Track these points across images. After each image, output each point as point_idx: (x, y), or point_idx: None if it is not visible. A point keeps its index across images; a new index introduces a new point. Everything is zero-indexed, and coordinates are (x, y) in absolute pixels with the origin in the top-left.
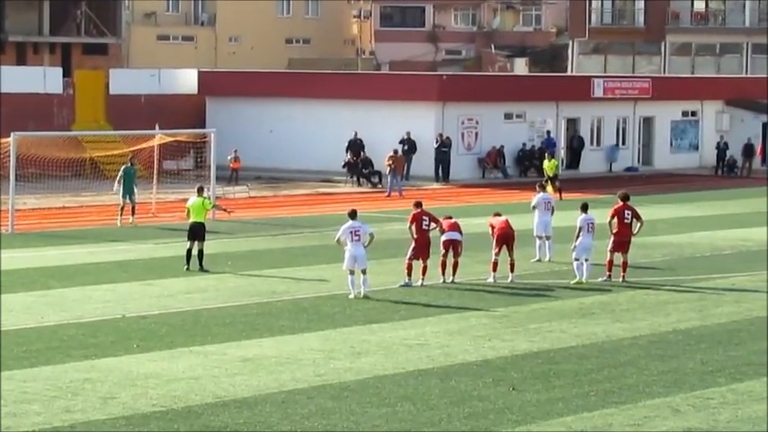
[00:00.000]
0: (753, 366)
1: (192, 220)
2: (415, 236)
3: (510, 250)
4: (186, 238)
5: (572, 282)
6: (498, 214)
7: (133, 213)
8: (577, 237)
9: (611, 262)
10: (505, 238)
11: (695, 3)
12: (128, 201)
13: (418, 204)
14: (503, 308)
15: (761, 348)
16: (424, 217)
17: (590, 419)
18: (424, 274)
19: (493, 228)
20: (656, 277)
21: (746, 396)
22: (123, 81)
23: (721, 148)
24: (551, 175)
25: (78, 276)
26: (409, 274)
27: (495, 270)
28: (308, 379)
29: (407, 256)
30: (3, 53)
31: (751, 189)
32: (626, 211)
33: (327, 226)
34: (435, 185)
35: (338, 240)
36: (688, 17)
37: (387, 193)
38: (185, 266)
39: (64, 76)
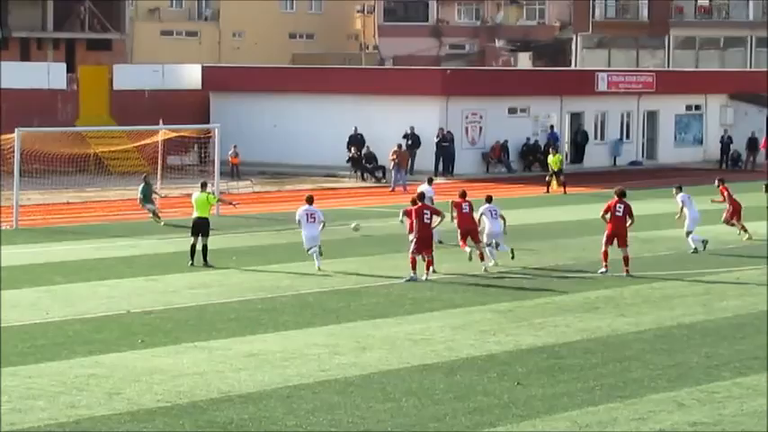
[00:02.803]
0: (758, 360)
1: (195, 215)
2: (417, 230)
3: (475, 242)
4: (190, 234)
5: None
6: (464, 195)
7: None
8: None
9: (605, 253)
10: (468, 232)
11: None
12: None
13: (421, 197)
14: (507, 302)
15: (765, 342)
16: (425, 211)
17: (595, 414)
18: (428, 268)
19: (457, 208)
20: (661, 271)
21: (751, 390)
22: (127, 76)
23: (725, 142)
24: (556, 170)
25: (83, 272)
26: (414, 269)
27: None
28: (313, 374)
29: (410, 251)
30: (6, 49)
31: (755, 183)
32: (618, 205)
33: (332, 221)
34: (439, 180)
35: (298, 222)
36: (692, 11)
37: (391, 188)
38: (189, 262)
39: (68, 72)
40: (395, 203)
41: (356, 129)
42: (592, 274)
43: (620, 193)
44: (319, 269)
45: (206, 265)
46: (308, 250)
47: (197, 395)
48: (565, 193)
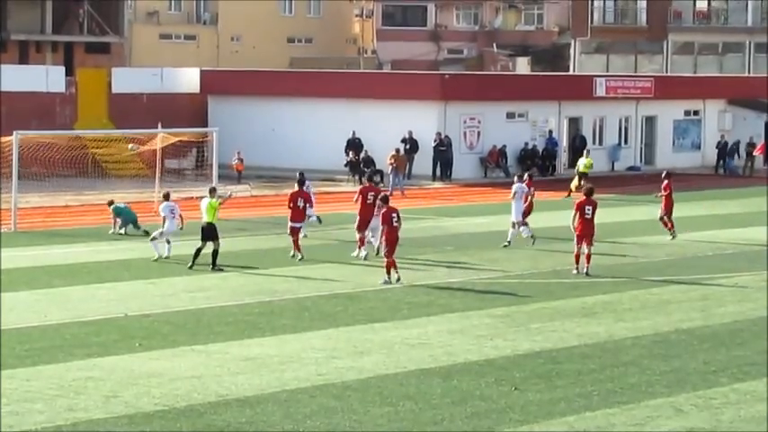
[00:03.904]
0: (756, 366)
1: (203, 220)
2: (387, 232)
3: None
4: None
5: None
6: (387, 201)
7: None
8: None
9: (577, 255)
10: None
11: (697, 2)
12: None
13: (385, 199)
14: (505, 307)
15: (764, 348)
16: (393, 214)
17: (592, 419)
18: (395, 269)
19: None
20: (659, 277)
21: (749, 396)
22: (126, 80)
23: (721, 147)
24: (582, 172)
25: (81, 275)
26: (389, 272)
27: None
28: (311, 378)
29: (386, 254)
30: (5, 52)
31: (753, 188)
32: (587, 207)
33: (329, 225)
34: (436, 184)
35: (164, 218)
36: (690, 16)
37: (389, 192)
38: (189, 264)
39: (66, 75)
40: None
41: (354, 133)
42: (590, 280)
43: (587, 191)
44: (165, 257)
45: (214, 268)
46: (161, 239)
47: (194, 398)
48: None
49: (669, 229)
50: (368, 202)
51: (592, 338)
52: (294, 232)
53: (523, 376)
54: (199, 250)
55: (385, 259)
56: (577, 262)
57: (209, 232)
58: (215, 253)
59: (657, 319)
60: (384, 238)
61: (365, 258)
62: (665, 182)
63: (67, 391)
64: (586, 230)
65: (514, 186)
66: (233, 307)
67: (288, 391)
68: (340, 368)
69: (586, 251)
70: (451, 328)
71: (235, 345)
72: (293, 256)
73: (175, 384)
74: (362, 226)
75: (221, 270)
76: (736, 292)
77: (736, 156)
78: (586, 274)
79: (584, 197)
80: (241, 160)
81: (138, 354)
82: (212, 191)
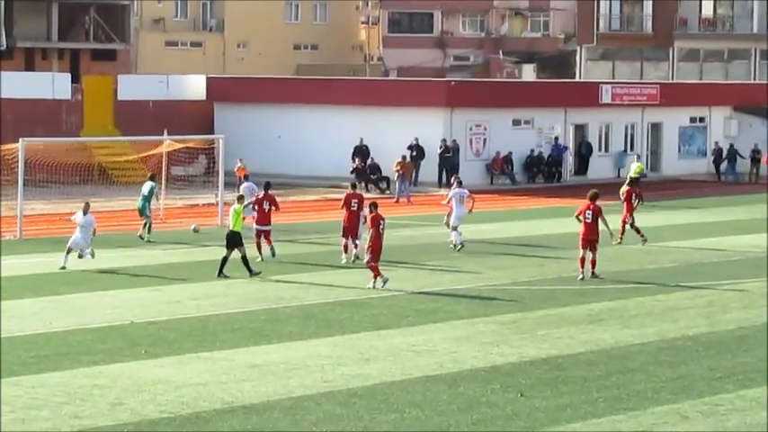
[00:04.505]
0: (761, 373)
1: (228, 228)
2: (373, 238)
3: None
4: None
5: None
6: (376, 207)
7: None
8: None
9: (582, 259)
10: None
11: (703, 9)
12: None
13: (375, 205)
14: (511, 314)
15: None
16: (380, 221)
17: (598, 426)
18: (376, 275)
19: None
20: (665, 283)
21: (755, 403)
22: (132, 87)
23: (716, 155)
24: (634, 177)
25: (86, 282)
26: (377, 276)
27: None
28: (317, 385)
29: (369, 260)
30: (11, 59)
31: (758, 195)
32: (587, 211)
33: (335, 232)
34: (442, 191)
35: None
36: (696, 23)
37: (395, 199)
38: (217, 272)
39: (72, 82)
40: (399, 215)
41: (362, 140)
42: (595, 286)
43: (591, 196)
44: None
45: (251, 274)
46: (69, 251)
47: (200, 406)
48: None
49: (622, 234)
50: (352, 208)
51: (598, 345)
52: (259, 235)
53: (529, 383)
54: (224, 259)
55: (369, 266)
56: (582, 266)
57: (233, 240)
58: (243, 259)
59: (663, 326)
60: (371, 243)
61: (353, 262)
62: (628, 188)
63: (73, 398)
64: (591, 235)
65: (452, 192)
66: (239, 314)
67: (294, 398)
68: (346, 375)
69: (591, 256)
70: (457, 334)
71: (241, 352)
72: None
73: (181, 392)
74: (345, 233)
75: (257, 274)
76: (742, 298)
77: (737, 159)
78: (592, 275)
79: (588, 202)
80: (244, 166)
81: (144, 361)
82: (240, 198)
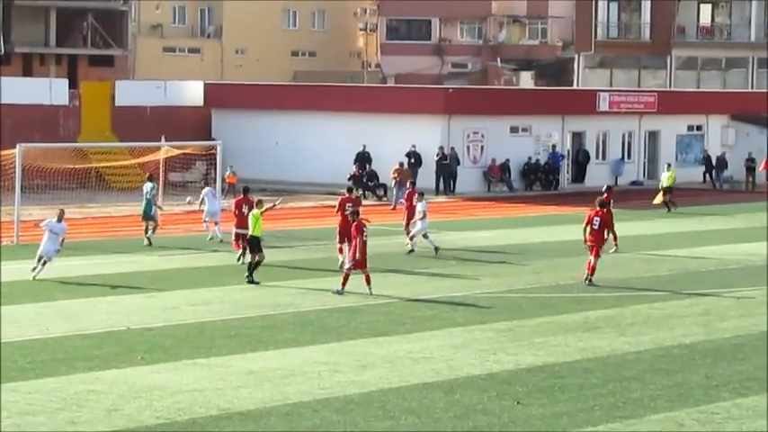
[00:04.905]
0: (758, 381)
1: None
2: (358, 246)
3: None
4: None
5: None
6: (358, 214)
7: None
8: None
9: (589, 263)
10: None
11: (701, 17)
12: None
13: (356, 213)
14: (507, 321)
15: (766, 363)
16: (364, 228)
17: None
18: (368, 282)
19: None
20: (661, 291)
21: (751, 411)
22: (129, 93)
23: (706, 162)
24: (666, 186)
25: (83, 288)
26: (344, 284)
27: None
28: (313, 392)
29: (348, 267)
30: (9, 64)
31: (756, 203)
32: (595, 218)
33: (332, 239)
34: (439, 198)
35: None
36: (694, 31)
37: (392, 206)
38: (247, 279)
39: (70, 88)
40: (396, 222)
41: (365, 147)
42: (592, 294)
43: (599, 203)
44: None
45: (250, 281)
46: (40, 259)
47: (196, 412)
48: (668, 210)
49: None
50: (346, 212)
51: (594, 353)
52: (238, 238)
53: (526, 390)
54: (250, 264)
55: (344, 272)
56: (588, 271)
57: (253, 244)
58: (256, 264)
59: (660, 334)
60: (357, 251)
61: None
62: (605, 195)
63: (69, 404)
64: (598, 242)
65: (421, 205)
66: (235, 320)
67: (290, 404)
68: (342, 382)
69: (592, 261)
70: (454, 342)
71: (237, 358)
72: (238, 259)
73: (177, 398)
74: (341, 237)
75: (257, 283)
76: (739, 306)
77: (725, 167)
78: (589, 282)
79: (597, 209)
80: (234, 173)
81: (140, 367)
82: (259, 202)
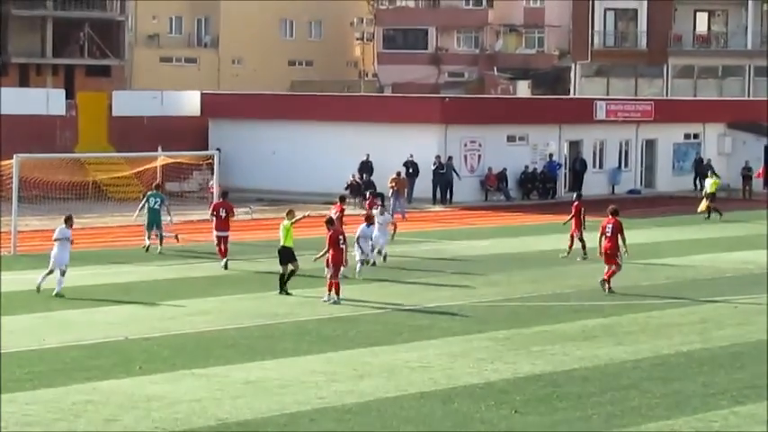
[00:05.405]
0: (755, 389)
1: (280, 244)
2: (332, 254)
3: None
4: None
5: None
6: (332, 223)
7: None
8: None
9: (607, 272)
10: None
11: (697, 25)
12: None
13: (330, 222)
14: (505, 330)
15: (763, 371)
16: (340, 237)
17: None
18: (336, 290)
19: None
20: (659, 300)
21: (749, 419)
22: (126, 103)
23: (697, 165)
24: (710, 192)
25: (80, 298)
26: (338, 292)
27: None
28: (311, 402)
29: (331, 276)
30: (5, 75)
31: (753, 212)
32: (608, 226)
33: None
34: (436, 208)
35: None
36: (690, 40)
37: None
38: (279, 291)
39: (67, 98)
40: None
41: (368, 156)
42: (590, 303)
43: (612, 211)
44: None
45: (282, 291)
46: (51, 272)
47: (194, 422)
48: (708, 217)
49: (570, 246)
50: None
51: (592, 361)
52: (220, 242)
53: (524, 399)
54: (282, 276)
55: (329, 280)
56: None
57: (286, 255)
58: (289, 275)
59: (657, 342)
60: (330, 259)
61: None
62: (576, 202)
63: (67, 414)
64: (612, 249)
65: (382, 218)
66: (233, 330)
67: (288, 414)
68: (340, 391)
69: (609, 269)
70: (452, 351)
71: (235, 368)
72: (225, 266)
73: (175, 408)
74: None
75: (289, 294)
76: (736, 315)
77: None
78: (610, 290)
79: (609, 216)
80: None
81: (138, 377)
82: (289, 213)
